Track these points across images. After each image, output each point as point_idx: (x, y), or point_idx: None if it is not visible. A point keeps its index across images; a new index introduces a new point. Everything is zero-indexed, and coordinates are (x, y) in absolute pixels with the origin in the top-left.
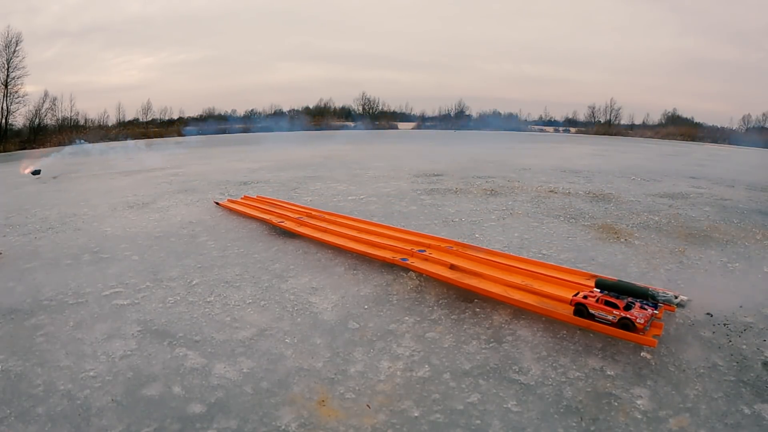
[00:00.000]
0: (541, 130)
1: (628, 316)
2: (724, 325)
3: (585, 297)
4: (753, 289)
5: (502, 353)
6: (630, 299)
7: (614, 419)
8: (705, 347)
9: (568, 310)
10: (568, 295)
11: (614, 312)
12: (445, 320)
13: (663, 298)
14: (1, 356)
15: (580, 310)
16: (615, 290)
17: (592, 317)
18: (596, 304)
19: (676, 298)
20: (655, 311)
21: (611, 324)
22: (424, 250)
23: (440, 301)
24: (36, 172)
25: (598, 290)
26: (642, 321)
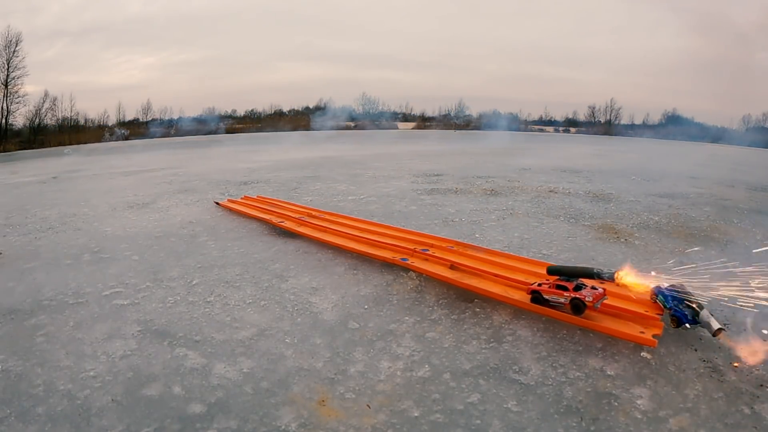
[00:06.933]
0: (541, 130)
1: (577, 296)
2: (725, 324)
3: (539, 284)
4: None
5: (502, 353)
6: (580, 281)
7: (614, 419)
8: (705, 347)
9: (569, 311)
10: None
11: (565, 294)
12: (445, 320)
13: (607, 275)
14: (1, 356)
15: (536, 297)
16: (564, 274)
17: (547, 303)
18: (549, 290)
19: (616, 273)
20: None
21: (563, 306)
22: (428, 249)
23: (440, 301)
24: None
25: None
26: (591, 299)
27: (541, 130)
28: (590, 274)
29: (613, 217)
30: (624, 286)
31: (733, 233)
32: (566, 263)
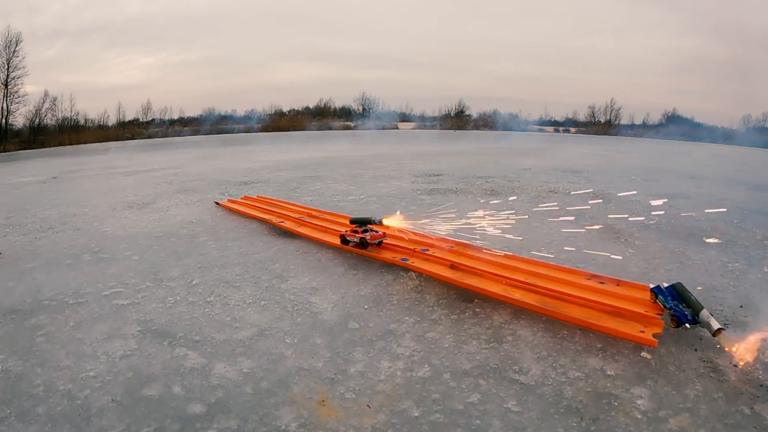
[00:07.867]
0: (541, 130)
1: (362, 236)
2: (725, 325)
3: (346, 231)
4: (753, 289)
5: (502, 353)
6: (369, 227)
7: (614, 419)
8: (705, 347)
9: (569, 311)
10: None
11: (356, 235)
12: (445, 320)
13: (377, 220)
14: (1, 356)
15: (343, 239)
16: (359, 223)
17: (349, 242)
18: (349, 233)
19: (382, 219)
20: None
21: (357, 243)
22: (428, 249)
23: (440, 301)
24: None
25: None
26: (369, 238)
27: (541, 130)
28: (371, 221)
29: (613, 217)
30: (385, 226)
31: (732, 233)
32: (566, 263)
